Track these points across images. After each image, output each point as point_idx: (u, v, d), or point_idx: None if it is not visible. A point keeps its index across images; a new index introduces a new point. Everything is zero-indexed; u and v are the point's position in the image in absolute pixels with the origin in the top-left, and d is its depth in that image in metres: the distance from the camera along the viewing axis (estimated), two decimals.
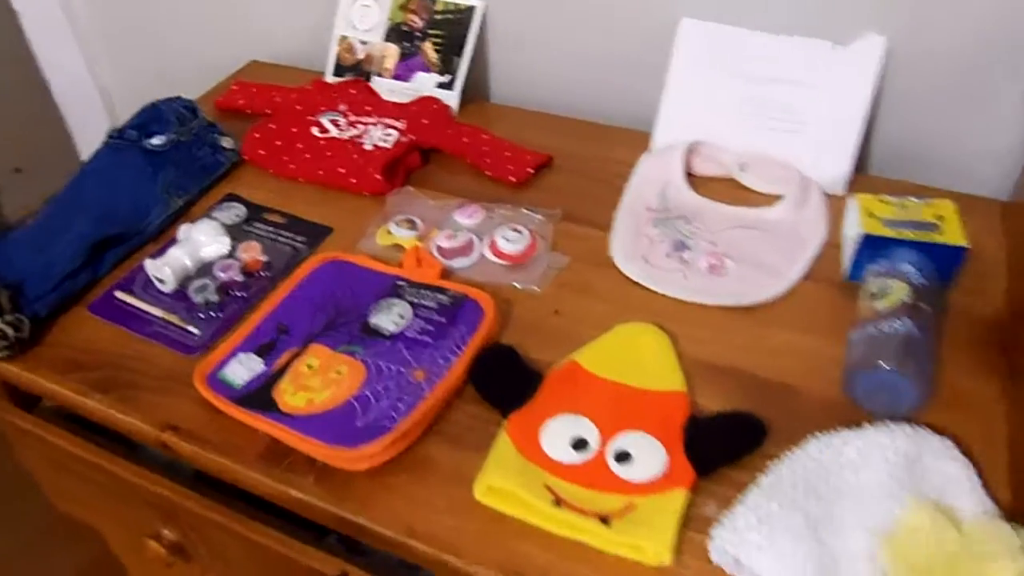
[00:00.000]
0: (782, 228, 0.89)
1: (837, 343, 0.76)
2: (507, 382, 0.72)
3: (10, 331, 0.79)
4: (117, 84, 1.60)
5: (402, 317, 0.78)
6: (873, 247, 0.79)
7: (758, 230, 0.89)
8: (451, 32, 1.11)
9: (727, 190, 0.96)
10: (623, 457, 0.66)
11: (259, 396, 0.72)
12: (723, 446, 0.66)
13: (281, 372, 0.74)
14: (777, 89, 0.97)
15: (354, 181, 0.97)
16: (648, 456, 0.65)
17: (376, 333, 0.77)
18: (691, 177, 0.97)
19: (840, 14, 0.94)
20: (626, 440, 0.67)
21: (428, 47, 1.12)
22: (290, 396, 0.72)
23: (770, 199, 0.94)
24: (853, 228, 0.83)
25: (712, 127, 0.99)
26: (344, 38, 1.18)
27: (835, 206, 0.92)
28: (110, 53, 1.54)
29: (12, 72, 1.65)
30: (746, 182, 0.96)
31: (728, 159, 0.97)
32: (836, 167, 0.94)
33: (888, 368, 0.67)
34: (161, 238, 0.94)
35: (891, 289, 0.73)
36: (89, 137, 1.69)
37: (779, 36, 0.96)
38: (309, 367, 0.75)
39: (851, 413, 0.68)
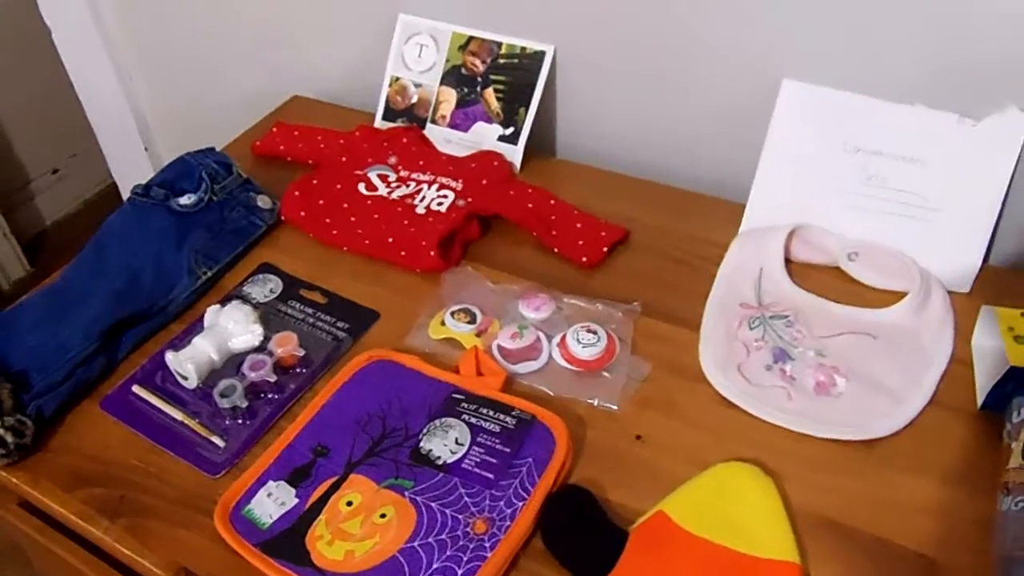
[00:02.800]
0: (901, 336, 0.76)
1: (978, 496, 0.64)
2: (586, 543, 0.60)
3: (10, 437, 0.69)
4: (151, 105, 1.50)
5: (459, 444, 0.67)
6: (1021, 381, 0.66)
7: (872, 337, 0.76)
8: (516, 79, 0.99)
9: (832, 283, 0.83)
10: None
11: (290, 543, 0.61)
12: None
13: (316, 510, 0.63)
14: (892, 166, 0.83)
15: (404, 254, 0.86)
16: None
17: (428, 461, 0.66)
18: (789, 264, 0.84)
19: (970, 82, 0.81)
20: None
21: (490, 94, 1.01)
22: (326, 546, 0.61)
23: (884, 296, 0.81)
24: (989, 345, 0.71)
25: (814, 205, 0.86)
26: (396, 79, 1.06)
27: (959, 308, 0.79)
28: (144, 72, 1.44)
29: (49, 74, 1.56)
30: (855, 274, 0.83)
31: (835, 246, 0.84)
32: (963, 261, 0.81)
33: None
34: (186, 316, 0.83)
35: None
36: (119, 154, 1.60)
37: (897, 104, 0.82)
38: (349, 504, 0.63)
39: None
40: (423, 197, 0.93)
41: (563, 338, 0.76)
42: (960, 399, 0.72)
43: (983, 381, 0.71)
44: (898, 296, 0.79)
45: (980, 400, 0.71)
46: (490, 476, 0.64)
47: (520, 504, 0.62)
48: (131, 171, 1.57)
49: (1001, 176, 0.80)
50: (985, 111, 0.79)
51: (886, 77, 0.83)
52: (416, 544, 0.60)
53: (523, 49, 0.99)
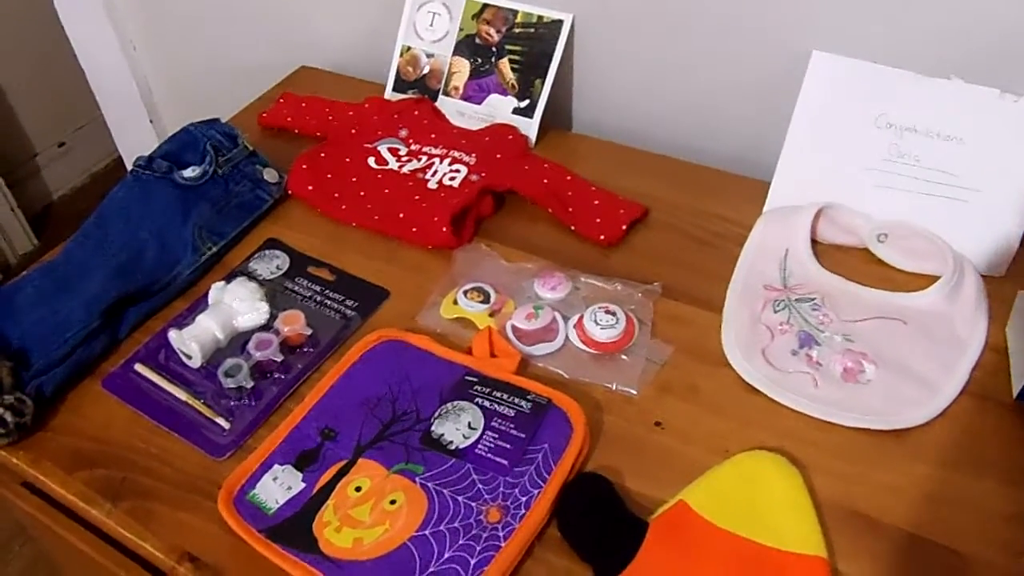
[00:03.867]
0: (934, 322, 0.73)
1: (1011, 490, 0.61)
2: (604, 532, 0.58)
3: (9, 416, 0.67)
4: (155, 76, 1.46)
5: (472, 428, 0.64)
6: None
7: (903, 322, 0.73)
8: (532, 49, 0.96)
9: (860, 265, 0.80)
10: None
11: (296, 529, 0.59)
12: None
13: (324, 495, 0.61)
14: (926, 143, 0.80)
15: (415, 230, 0.83)
16: None
17: (440, 446, 0.63)
18: (815, 245, 0.81)
19: (1009, 56, 0.77)
20: None
21: (504, 65, 0.97)
22: (334, 532, 0.59)
23: (916, 280, 0.78)
24: None
25: (842, 184, 0.82)
26: (407, 48, 1.02)
27: (993, 293, 0.76)
28: (147, 41, 1.41)
29: (54, 46, 1.52)
30: (884, 256, 0.80)
31: (864, 227, 0.80)
32: (999, 244, 0.78)
33: None
34: (190, 292, 0.81)
35: None
36: (124, 126, 1.57)
37: (932, 79, 0.79)
38: (358, 490, 0.61)
39: None
40: (435, 171, 0.90)
41: (580, 319, 0.73)
42: (995, 389, 0.69)
43: (1019, 370, 0.68)
44: (930, 280, 0.76)
45: (1016, 390, 0.68)
46: (504, 462, 0.62)
47: (536, 492, 0.60)
48: (136, 144, 1.55)
49: None
50: None
51: (921, 49, 0.80)
52: (427, 532, 0.58)
53: (540, 18, 0.95)
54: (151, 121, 1.51)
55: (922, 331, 0.72)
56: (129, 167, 0.86)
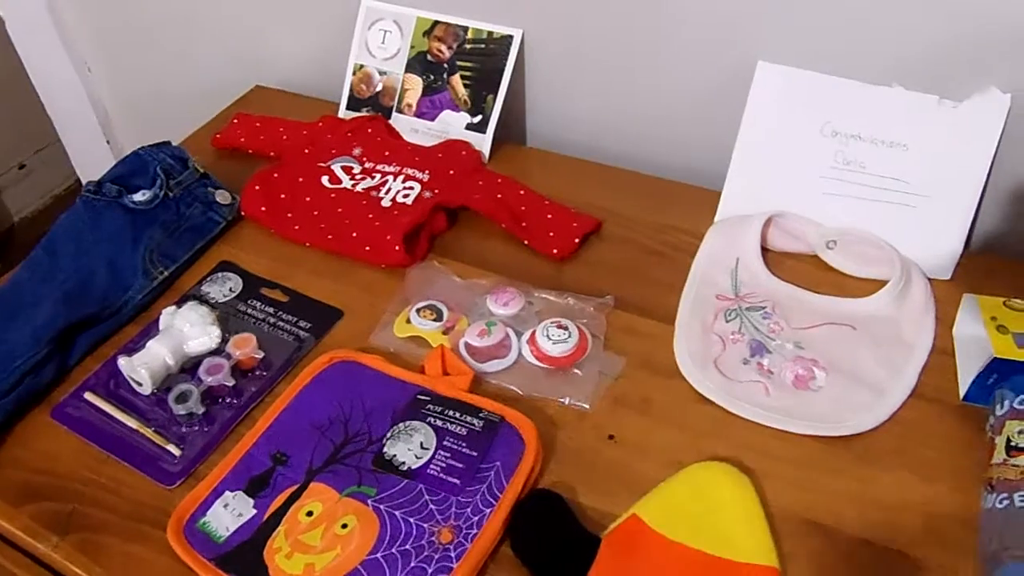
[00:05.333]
0: (881, 327, 0.74)
1: (960, 491, 0.62)
2: (556, 550, 0.58)
3: None
4: (111, 96, 1.45)
5: (424, 448, 0.64)
6: (1004, 372, 0.64)
7: (852, 327, 0.74)
8: (484, 65, 0.96)
9: (810, 272, 0.81)
10: None
11: (247, 556, 0.59)
12: None
13: (275, 521, 0.60)
14: (871, 150, 0.81)
15: (369, 249, 0.83)
16: None
17: (392, 467, 0.63)
18: (766, 253, 0.82)
19: (949, 63, 0.78)
20: None
21: (457, 81, 0.97)
22: (284, 559, 0.58)
23: (864, 285, 0.79)
24: (971, 335, 0.68)
25: (791, 192, 0.83)
26: (360, 66, 1.02)
27: (940, 296, 0.77)
28: (101, 62, 1.39)
29: (10, 66, 1.50)
30: (834, 263, 0.81)
31: (813, 234, 0.81)
32: (943, 248, 0.79)
33: None
34: (142, 317, 0.80)
35: None
36: (81, 148, 1.56)
37: (875, 87, 0.80)
38: (309, 515, 0.61)
39: None
40: (388, 189, 0.90)
41: (533, 334, 0.73)
42: (942, 391, 0.70)
43: (966, 372, 0.69)
44: (878, 284, 0.77)
45: (963, 392, 0.69)
46: (456, 482, 0.61)
47: (488, 511, 0.59)
48: (94, 165, 1.53)
49: (982, 159, 0.77)
50: (966, 93, 0.77)
51: (863, 58, 0.81)
52: (379, 555, 0.58)
53: (490, 34, 0.95)
54: (108, 142, 1.49)
55: (871, 336, 0.73)
56: None
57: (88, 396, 0.72)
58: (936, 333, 0.74)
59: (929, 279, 0.79)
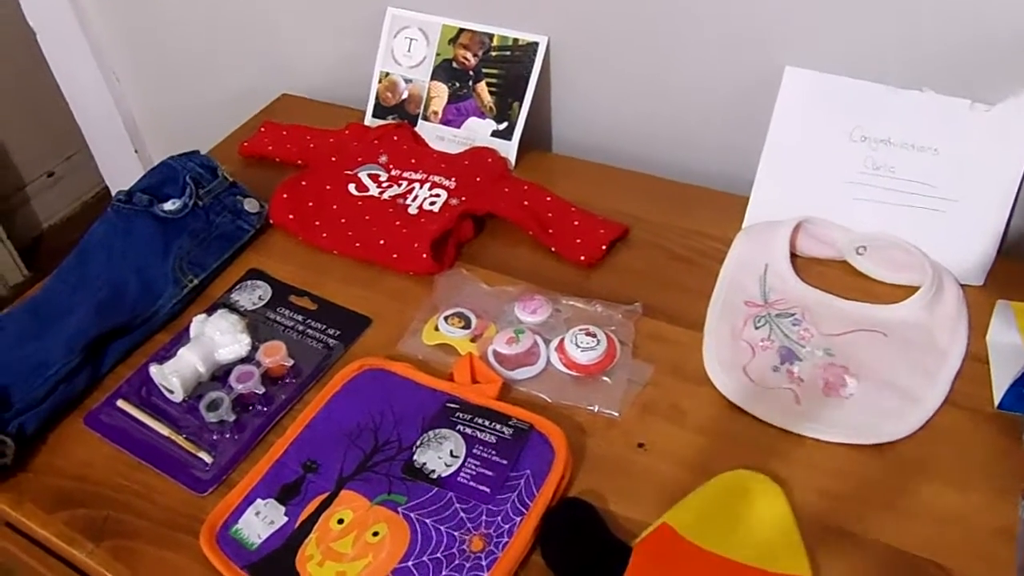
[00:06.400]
0: (913, 333, 0.73)
1: (997, 503, 0.61)
2: (587, 559, 0.57)
3: None
4: (139, 106, 1.47)
5: (455, 456, 0.64)
6: None
7: (883, 334, 0.73)
8: (509, 72, 0.96)
9: (840, 278, 0.80)
10: None
11: (279, 564, 0.59)
12: None
13: (306, 528, 0.61)
14: (901, 155, 0.80)
15: (396, 257, 0.83)
16: None
17: (422, 475, 0.63)
18: (795, 259, 0.81)
19: (980, 67, 0.77)
20: None
21: (482, 88, 0.97)
22: (316, 567, 0.58)
23: (894, 291, 0.78)
24: (1005, 342, 0.68)
25: (819, 198, 0.83)
26: (386, 74, 1.03)
27: (973, 302, 0.76)
28: (130, 73, 1.41)
29: (41, 75, 1.52)
30: (864, 268, 0.80)
31: (842, 239, 0.81)
32: (976, 253, 0.78)
33: None
34: (173, 325, 0.80)
35: None
36: (109, 157, 1.58)
37: (905, 91, 0.79)
38: (340, 522, 0.61)
39: None
40: (415, 196, 0.90)
41: (561, 342, 0.73)
42: (977, 399, 0.69)
43: (1000, 379, 0.68)
44: (909, 291, 0.76)
45: (997, 399, 0.68)
46: (486, 490, 0.61)
47: (518, 519, 0.59)
48: (123, 173, 1.55)
49: (1016, 163, 0.76)
50: (998, 96, 0.76)
51: (893, 62, 0.80)
52: (410, 564, 0.58)
53: (515, 41, 0.96)
54: (136, 151, 1.51)
55: (903, 342, 0.72)
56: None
57: (120, 404, 0.73)
58: (970, 340, 0.73)
59: (962, 285, 0.78)
